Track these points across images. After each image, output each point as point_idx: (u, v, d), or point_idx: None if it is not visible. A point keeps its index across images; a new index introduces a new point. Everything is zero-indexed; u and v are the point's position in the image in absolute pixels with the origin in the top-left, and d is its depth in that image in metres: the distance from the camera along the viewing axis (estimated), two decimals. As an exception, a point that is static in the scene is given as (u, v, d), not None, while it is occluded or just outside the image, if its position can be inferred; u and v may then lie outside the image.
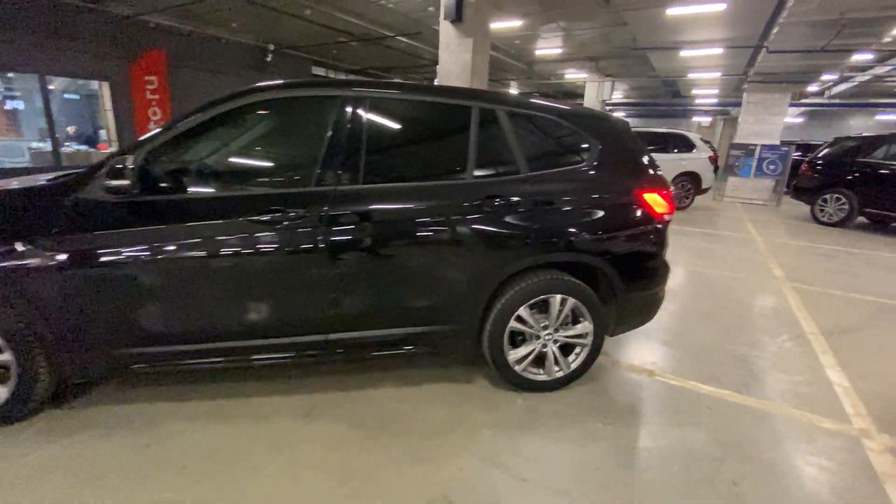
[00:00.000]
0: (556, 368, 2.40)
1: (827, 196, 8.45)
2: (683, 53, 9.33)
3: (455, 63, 5.90)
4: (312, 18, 8.48)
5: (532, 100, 2.30)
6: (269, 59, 10.19)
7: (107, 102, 9.41)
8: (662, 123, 9.65)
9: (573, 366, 2.41)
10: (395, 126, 2.18)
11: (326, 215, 1.96)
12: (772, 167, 11.05)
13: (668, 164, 9.05)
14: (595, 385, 2.51)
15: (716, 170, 11.54)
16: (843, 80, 12.54)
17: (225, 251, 1.90)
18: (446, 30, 5.85)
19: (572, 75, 14.26)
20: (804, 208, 9.09)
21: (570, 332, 2.35)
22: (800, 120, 21.99)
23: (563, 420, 2.19)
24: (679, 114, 21.79)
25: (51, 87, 9.82)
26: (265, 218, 1.91)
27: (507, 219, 2.14)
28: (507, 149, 2.21)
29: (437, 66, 6.10)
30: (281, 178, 2.18)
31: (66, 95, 11.11)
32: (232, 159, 2.18)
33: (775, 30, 6.61)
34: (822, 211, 8.55)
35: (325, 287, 2.02)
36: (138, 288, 1.87)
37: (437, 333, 2.23)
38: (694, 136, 9.49)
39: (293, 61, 11.45)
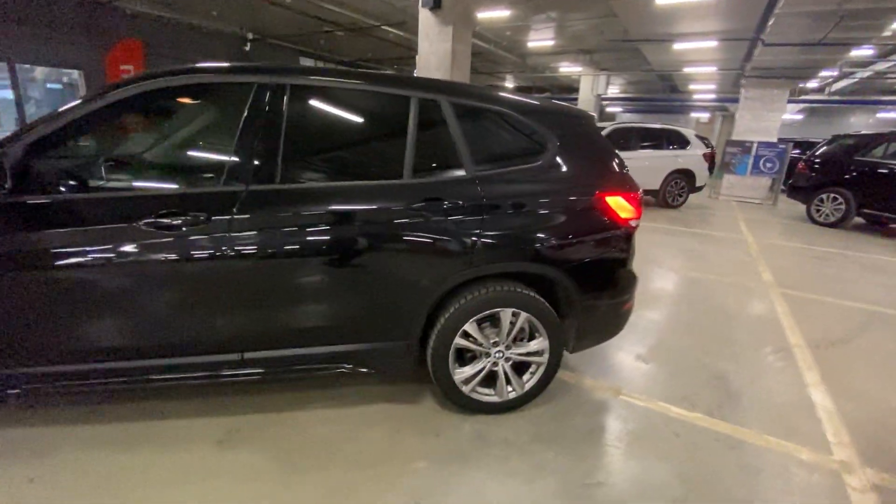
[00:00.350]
0: (509, 389, 2.17)
1: (823, 196, 8.20)
2: (677, 46, 9.03)
3: (434, 53, 5.63)
4: (293, 6, 8.18)
5: (481, 90, 2.05)
6: (247, 48, 9.87)
7: (83, 92, 9.12)
8: (660, 119, 9.40)
9: (528, 386, 2.18)
10: (321, 118, 1.92)
11: (233, 219, 1.71)
12: (769, 165, 10.78)
13: (662, 160, 8.80)
14: (553, 406, 2.28)
15: (711, 167, 11.31)
16: (843, 76, 12.26)
17: (117, 259, 1.65)
18: (425, 18, 5.57)
19: (567, 69, 13.94)
20: (800, 208, 8.84)
21: (524, 350, 2.12)
22: (799, 117, 21.67)
23: (512, 449, 1.96)
24: (677, 110, 21.48)
25: (34, 75, 9.53)
26: (164, 221, 1.66)
27: (449, 224, 1.89)
28: (451, 145, 1.96)
29: (416, 57, 5.83)
30: (185, 176, 1.92)
31: (48, 85, 10.83)
32: (129, 154, 1.93)
33: (771, 21, 6.33)
34: (818, 211, 8.31)
35: (235, 301, 1.78)
36: (9, 301, 1.62)
37: (371, 351, 2.00)
38: (688, 132, 9.22)
39: (279, 52, 11.14)
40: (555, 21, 8.76)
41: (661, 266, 4.92)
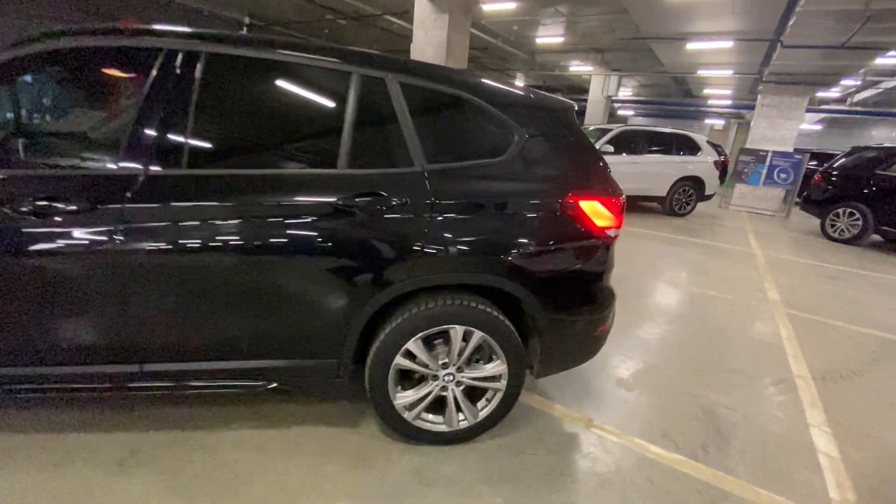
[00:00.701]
0: (461, 417, 1.88)
1: (839, 210, 7.79)
2: (690, 46, 8.62)
3: (429, 43, 5.35)
4: (292, -9, 7.93)
5: (437, 70, 1.75)
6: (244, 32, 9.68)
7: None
8: (673, 124, 9.01)
9: (482, 414, 1.90)
10: (242, 94, 1.64)
11: (126, 208, 1.44)
12: (783, 176, 10.35)
13: (670, 166, 8.42)
14: (513, 437, 1.99)
15: (723, 176, 10.87)
16: (866, 85, 11.74)
17: (-18, 251, 1.39)
18: (421, 5, 5.29)
19: (577, 68, 13.54)
20: (814, 222, 8.42)
21: (478, 373, 1.83)
22: (818, 128, 21.02)
23: (452, 491, 1.67)
24: (691, 115, 20.91)
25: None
26: (43, 206, 1.40)
27: (388, 224, 1.61)
28: (398, 132, 1.67)
29: (411, 45, 5.54)
30: (71, 155, 1.65)
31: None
32: (8, 128, 1.66)
33: (791, 21, 5.93)
34: (832, 226, 7.89)
35: (127, 305, 1.51)
36: None
37: (296, 368, 1.72)
38: (699, 138, 8.82)
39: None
40: (564, 16, 8.40)
41: (659, 278, 4.59)
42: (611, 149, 7.96)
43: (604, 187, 1.84)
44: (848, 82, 10.54)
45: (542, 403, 2.27)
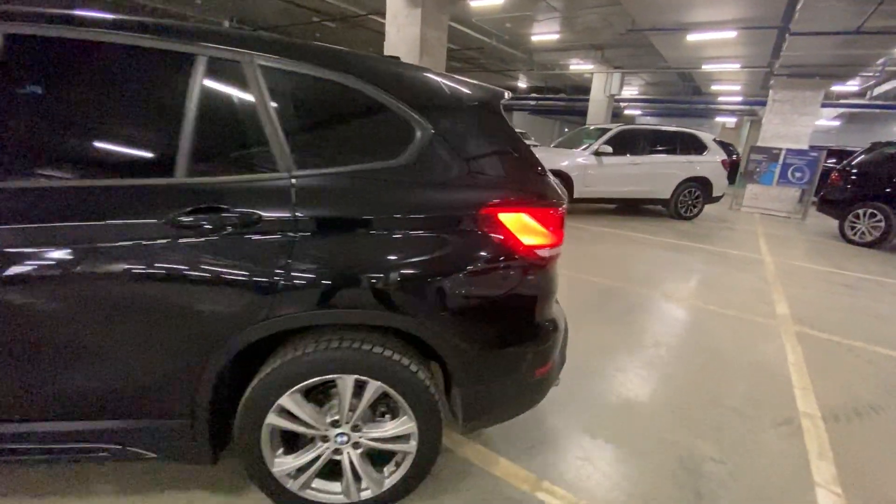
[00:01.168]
0: (363, 486, 1.50)
1: (859, 211, 7.22)
2: (691, 38, 8.11)
3: (402, 39, 5.00)
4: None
5: (314, 49, 1.38)
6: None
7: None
8: (682, 123, 8.50)
9: (389, 482, 1.51)
10: (48, 81, 1.29)
11: None
12: (798, 175, 9.75)
13: (674, 167, 7.94)
14: (434, 508, 1.60)
15: (733, 175, 10.31)
16: (886, 78, 11.05)
17: None
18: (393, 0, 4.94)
19: (577, 66, 13.06)
20: (832, 224, 7.83)
21: (379, 433, 1.45)
22: (836, 124, 20.13)
23: (335, 592, 1.28)
24: (700, 113, 20.20)
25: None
26: None
27: (233, 248, 1.24)
28: (257, 130, 1.30)
29: (385, 43, 5.20)
30: None
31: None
32: None
33: (799, 5, 5.44)
34: (852, 228, 7.32)
35: None
36: None
37: (142, 430, 1.36)
38: (705, 136, 8.31)
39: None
40: (557, 11, 7.99)
41: (653, 290, 4.13)
42: (609, 149, 7.52)
43: (535, 196, 1.45)
44: (867, 74, 9.89)
45: (483, 456, 1.87)
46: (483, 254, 1.37)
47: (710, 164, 8.14)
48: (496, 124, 1.48)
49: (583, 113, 13.43)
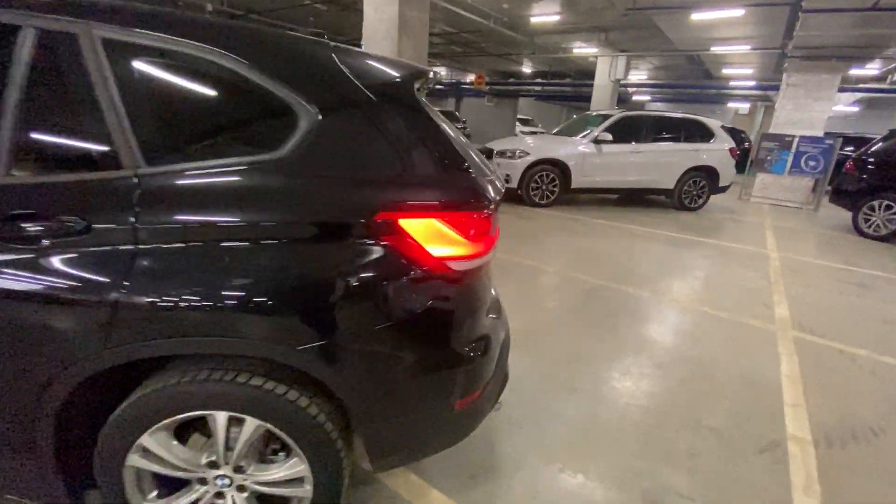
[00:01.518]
0: (254, 534, 1.29)
1: (875, 203, 6.81)
2: (696, 17, 7.64)
3: (380, 19, 4.70)
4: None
5: (172, 15, 1.13)
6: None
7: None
8: (693, 109, 8.05)
9: (285, 530, 1.30)
10: None
11: None
12: (812, 164, 9.28)
13: (678, 155, 7.56)
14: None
15: (742, 164, 9.84)
16: (910, 60, 10.40)
17: None
18: (370, -24, 4.64)
19: (581, 50, 12.55)
20: (846, 215, 7.42)
21: (266, 476, 1.23)
22: (855, 109, 19.27)
23: None
24: (712, 99, 19.46)
25: None
26: None
27: (65, 263, 1.02)
28: (97, 116, 1.06)
29: (363, 24, 4.91)
30: None
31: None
32: None
33: (812, -20, 5.01)
34: (866, 221, 6.91)
35: None
36: None
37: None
38: (712, 123, 7.89)
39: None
40: (555, -10, 7.57)
41: (641, 289, 3.86)
42: (609, 137, 7.17)
43: (451, 197, 1.19)
44: (887, 56, 9.31)
45: (415, 489, 1.65)
46: (378, 268, 1.12)
47: (716, 152, 7.75)
48: (408, 110, 1.23)
49: (590, 99, 12.93)
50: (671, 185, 7.74)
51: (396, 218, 1.12)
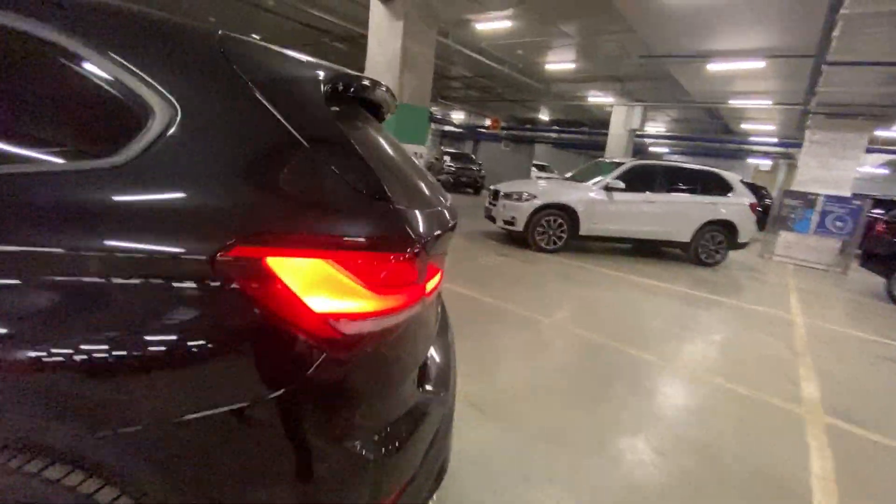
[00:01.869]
0: None
1: (910, 269, 6.26)
2: (712, 67, 7.49)
3: (383, 52, 4.62)
4: (277, 10, 7.58)
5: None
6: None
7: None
8: (711, 164, 7.81)
9: None
10: None
11: None
12: (839, 224, 8.82)
13: (695, 208, 7.21)
14: None
15: (762, 221, 9.42)
16: (942, 123, 10.05)
17: None
18: (376, 11, 4.61)
19: (596, 98, 12.56)
20: (877, 281, 6.87)
21: None
22: (885, 171, 18.79)
23: None
24: (731, 154, 19.21)
25: None
26: None
27: None
28: None
29: (367, 57, 4.84)
30: None
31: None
32: None
33: (836, 31, 4.79)
34: (902, 288, 6.34)
35: None
36: None
37: None
38: (731, 177, 7.58)
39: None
40: (569, 37, 7.57)
41: (648, 351, 3.41)
42: (621, 185, 6.89)
43: (360, 229, 0.87)
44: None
45: None
46: (216, 324, 0.79)
47: (735, 206, 7.38)
48: (311, 118, 0.93)
49: (598, 146, 12.86)
50: (687, 239, 7.35)
51: (263, 255, 0.80)
